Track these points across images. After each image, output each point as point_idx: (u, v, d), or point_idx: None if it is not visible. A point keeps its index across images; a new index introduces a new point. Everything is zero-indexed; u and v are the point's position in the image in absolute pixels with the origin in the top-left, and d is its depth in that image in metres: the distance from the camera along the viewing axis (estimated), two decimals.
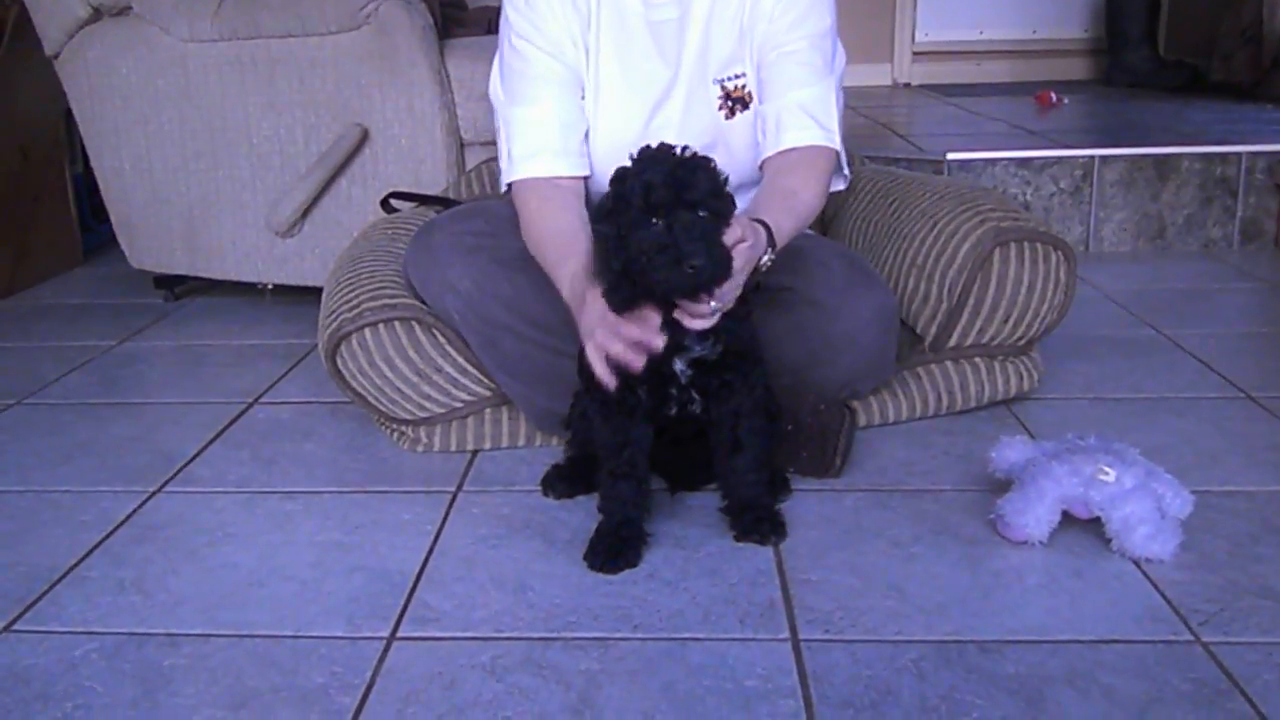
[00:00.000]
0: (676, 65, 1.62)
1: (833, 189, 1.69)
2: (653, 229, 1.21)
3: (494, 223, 1.64)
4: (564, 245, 1.47)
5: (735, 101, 1.62)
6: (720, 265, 1.22)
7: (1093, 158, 2.77)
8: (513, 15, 1.63)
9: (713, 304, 1.27)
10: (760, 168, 1.59)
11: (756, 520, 1.38)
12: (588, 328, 1.32)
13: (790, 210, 1.50)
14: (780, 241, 1.42)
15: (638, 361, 1.27)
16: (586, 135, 1.61)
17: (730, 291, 1.29)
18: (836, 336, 1.58)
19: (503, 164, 1.64)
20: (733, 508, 1.40)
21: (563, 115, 1.60)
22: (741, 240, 1.27)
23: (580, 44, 1.61)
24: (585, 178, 1.60)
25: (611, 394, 1.34)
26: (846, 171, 1.71)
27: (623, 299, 1.28)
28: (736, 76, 1.62)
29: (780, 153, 1.56)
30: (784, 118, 1.56)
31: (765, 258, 1.39)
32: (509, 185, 1.62)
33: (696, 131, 1.59)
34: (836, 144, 1.59)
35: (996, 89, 4.32)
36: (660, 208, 1.21)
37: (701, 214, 1.22)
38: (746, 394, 1.37)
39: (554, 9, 1.60)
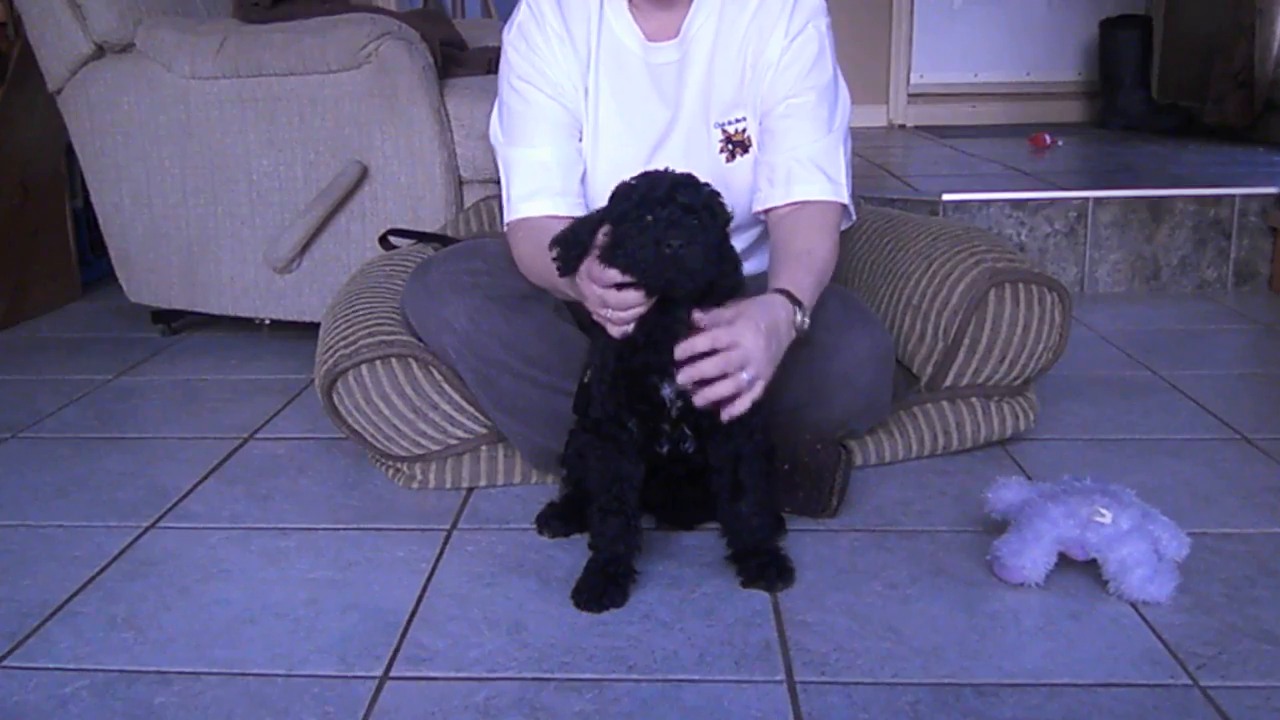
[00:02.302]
0: (676, 107, 1.64)
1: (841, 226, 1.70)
2: (642, 222, 1.25)
3: (491, 261, 1.65)
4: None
5: (736, 145, 1.64)
6: (699, 256, 1.24)
7: (1087, 199, 2.79)
8: (513, 57, 1.64)
9: (745, 375, 1.27)
10: (763, 215, 1.60)
11: (762, 566, 1.37)
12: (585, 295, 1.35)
13: (809, 269, 1.49)
14: (804, 299, 1.41)
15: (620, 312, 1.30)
16: (584, 176, 1.63)
17: (752, 366, 1.28)
18: (832, 375, 1.58)
19: (503, 202, 1.65)
20: (738, 554, 1.39)
21: (561, 157, 1.61)
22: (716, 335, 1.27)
23: (579, 86, 1.63)
24: None
25: (605, 426, 1.35)
26: (854, 214, 1.72)
27: (574, 258, 1.30)
28: (738, 120, 1.63)
29: (790, 206, 1.56)
30: (794, 170, 1.57)
31: (799, 318, 1.39)
32: (507, 225, 1.64)
33: (698, 173, 1.60)
34: (844, 197, 1.60)
35: (991, 131, 4.36)
36: (653, 204, 1.25)
37: (692, 221, 1.25)
38: (746, 438, 1.37)
39: (554, 51, 1.62)
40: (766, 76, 1.61)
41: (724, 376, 1.26)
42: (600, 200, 1.58)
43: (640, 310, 1.30)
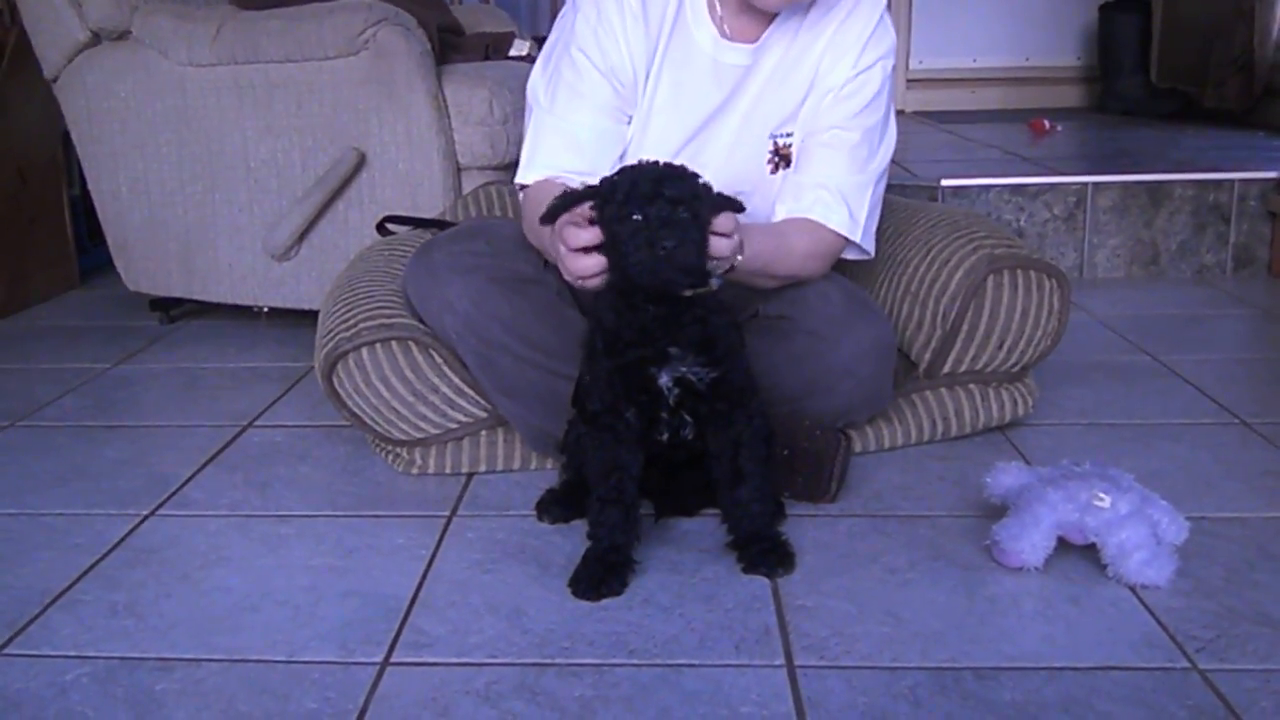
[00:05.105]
0: (729, 103, 1.62)
1: (851, 257, 1.69)
2: (632, 221, 1.24)
3: (494, 243, 1.65)
4: None
5: (781, 159, 1.65)
6: (693, 254, 1.25)
7: (1086, 184, 2.79)
8: (580, 24, 1.60)
9: (719, 264, 1.32)
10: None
11: (764, 552, 1.37)
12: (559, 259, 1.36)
13: (777, 239, 1.54)
14: (752, 248, 1.42)
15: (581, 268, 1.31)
16: (622, 159, 1.62)
17: (726, 264, 1.33)
18: (835, 366, 1.58)
19: (522, 161, 1.64)
20: (739, 540, 1.39)
21: (595, 136, 1.60)
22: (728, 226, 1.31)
23: (642, 69, 1.60)
24: None
25: (603, 418, 1.35)
26: (871, 252, 1.70)
27: (558, 214, 1.32)
28: (787, 135, 1.65)
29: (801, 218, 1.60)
30: (820, 196, 1.60)
31: (737, 256, 1.39)
32: (521, 186, 1.63)
33: (738, 177, 1.59)
34: (857, 236, 1.62)
35: (990, 116, 4.35)
36: (641, 201, 1.24)
37: (683, 214, 1.24)
38: (746, 424, 1.37)
39: (626, 29, 1.58)
40: (825, 100, 1.62)
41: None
42: None
43: (600, 283, 1.32)
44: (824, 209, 1.59)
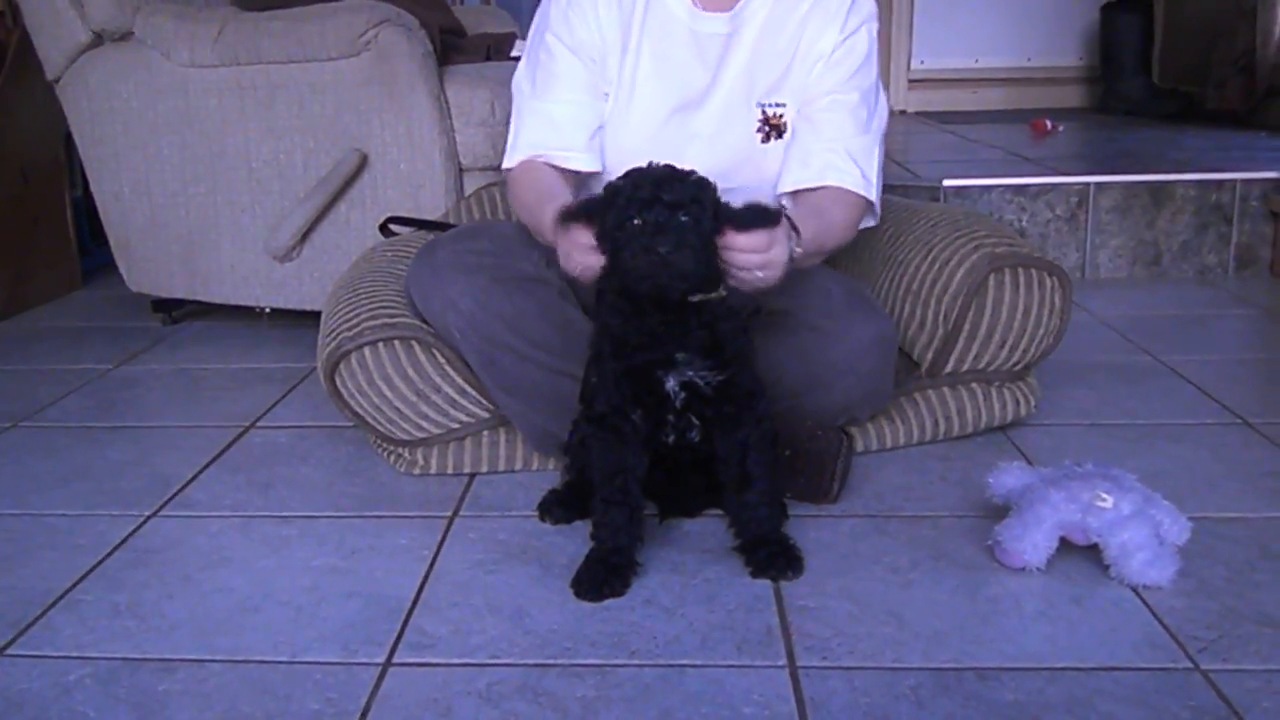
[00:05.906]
0: (715, 77, 1.65)
1: (863, 225, 1.72)
2: (631, 225, 1.24)
3: (497, 242, 1.65)
4: (547, 193, 1.54)
5: (772, 129, 1.66)
6: (690, 259, 1.24)
7: (1088, 185, 2.79)
8: (554, 11, 1.66)
9: (760, 274, 1.31)
10: (788, 195, 1.62)
11: (772, 555, 1.36)
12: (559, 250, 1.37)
13: (818, 218, 1.54)
14: (802, 232, 1.42)
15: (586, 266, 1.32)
16: (598, 134, 1.64)
17: (771, 270, 1.32)
18: (836, 361, 1.58)
19: (507, 148, 1.67)
20: (746, 544, 1.38)
21: (577, 116, 1.64)
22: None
23: (618, 45, 1.64)
24: (591, 175, 1.64)
25: (609, 419, 1.35)
26: (878, 215, 1.74)
27: (571, 218, 1.31)
28: (778, 105, 1.65)
29: (820, 187, 1.60)
30: (831, 159, 1.61)
31: (793, 245, 1.39)
32: (507, 169, 1.66)
33: (728, 148, 1.63)
34: (873, 195, 1.64)
35: (992, 116, 4.35)
36: (642, 205, 1.24)
37: (683, 218, 1.24)
38: (754, 426, 1.37)
39: (598, 10, 1.63)
40: (815, 68, 1.64)
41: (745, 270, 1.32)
42: (628, 157, 1.55)
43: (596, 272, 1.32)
44: (838, 173, 1.61)
